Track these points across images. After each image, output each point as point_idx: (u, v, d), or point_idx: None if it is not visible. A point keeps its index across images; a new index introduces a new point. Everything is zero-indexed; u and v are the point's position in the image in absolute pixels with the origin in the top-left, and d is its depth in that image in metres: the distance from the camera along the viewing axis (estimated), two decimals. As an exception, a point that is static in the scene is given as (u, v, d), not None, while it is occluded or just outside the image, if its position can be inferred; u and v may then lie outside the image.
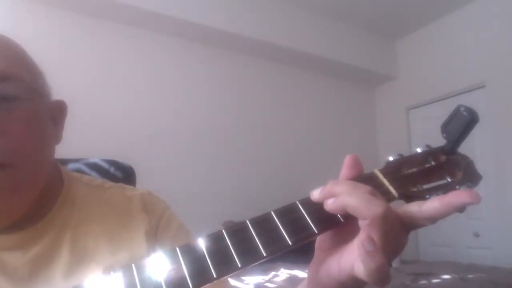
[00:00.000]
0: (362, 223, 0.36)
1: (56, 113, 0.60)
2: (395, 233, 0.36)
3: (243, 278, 2.06)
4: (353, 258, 0.37)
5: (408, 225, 0.37)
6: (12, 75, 0.51)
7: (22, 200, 0.53)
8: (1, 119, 0.48)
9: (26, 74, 0.54)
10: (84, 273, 0.53)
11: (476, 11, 3.38)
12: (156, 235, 0.62)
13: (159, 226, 0.63)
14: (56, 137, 0.60)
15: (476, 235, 3.28)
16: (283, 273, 2.20)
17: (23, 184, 0.52)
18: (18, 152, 0.50)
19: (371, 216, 0.34)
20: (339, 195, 0.37)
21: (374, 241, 0.34)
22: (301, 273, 2.13)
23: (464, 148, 0.45)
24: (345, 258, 0.38)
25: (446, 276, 2.11)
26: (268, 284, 2.02)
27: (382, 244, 0.34)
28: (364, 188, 0.37)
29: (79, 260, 0.54)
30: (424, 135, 3.43)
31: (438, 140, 0.44)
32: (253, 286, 1.99)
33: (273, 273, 2.20)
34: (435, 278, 2.10)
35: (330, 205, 0.38)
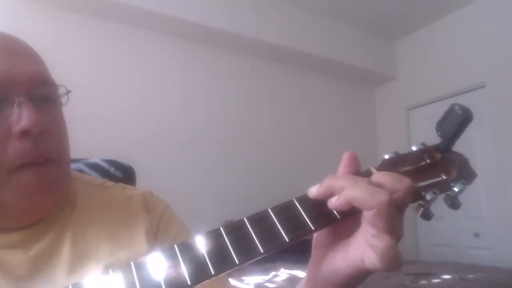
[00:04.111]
0: (366, 214, 0.36)
1: None
2: (397, 218, 0.37)
3: (243, 278, 2.07)
4: (361, 250, 0.37)
5: (398, 204, 0.38)
6: (49, 79, 0.56)
7: (58, 196, 0.57)
8: (48, 119, 0.52)
9: (52, 78, 0.58)
10: (85, 271, 0.53)
11: (476, 11, 3.38)
12: (156, 234, 0.62)
13: (159, 226, 0.63)
14: None
15: (476, 235, 3.28)
16: (283, 273, 2.20)
17: (62, 180, 0.57)
18: (59, 149, 0.55)
19: (378, 204, 0.35)
20: (342, 190, 0.38)
21: (377, 223, 0.35)
22: (301, 273, 2.13)
23: (464, 148, 0.45)
24: (352, 252, 0.38)
25: (446, 276, 2.11)
26: (268, 284, 2.03)
27: (389, 229, 0.35)
28: (364, 180, 0.38)
29: (80, 259, 0.55)
30: (424, 135, 3.39)
31: (438, 140, 0.45)
32: (253, 286, 1.99)
33: (273, 273, 2.20)
34: (435, 278, 2.10)
35: (334, 202, 0.38)
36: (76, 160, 0.83)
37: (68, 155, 0.58)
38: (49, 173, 0.52)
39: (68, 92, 0.58)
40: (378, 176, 0.39)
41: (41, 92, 0.53)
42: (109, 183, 0.68)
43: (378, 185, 0.38)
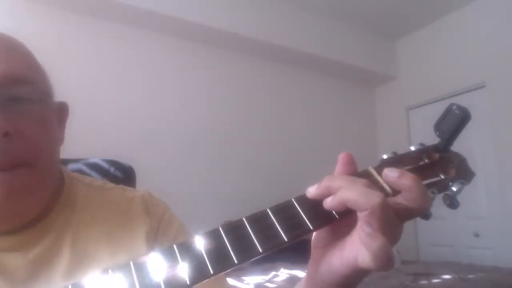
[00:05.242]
0: (360, 215, 0.36)
1: (60, 114, 0.61)
2: (392, 222, 0.37)
3: (243, 278, 2.07)
4: (355, 249, 0.37)
5: (401, 214, 0.38)
6: (25, 77, 0.52)
7: (37, 200, 0.54)
8: (18, 120, 0.50)
9: (36, 76, 0.55)
10: (84, 274, 0.53)
11: (476, 11, 3.38)
12: (156, 236, 0.62)
13: (159, 228, 0.63)
14: (61, 137, 0.61)
15: (476, 235, 3.28)
16: (283, 273, 2.20)
17: (39, 184, 0.53)
18: (34, 152, 0.52)
19: (371, 206, 0.35)
20: (337, 190, 0.38)
21: (371, 224, 0.35)
22: (301, 273, 2.13)
23: (464, 148, 0.45)
24: (347, 251, 0.39)
25: (446, 276, 2.11)
26: (268, 284, 2.03)
27: (383, 230, 0.36)
28: (361, 182, 0.38)
29: (79, 262, 0.55)
30: (424, 135, 3.40)
31: (438, 140, 0.45)
32: (253, 286, 1.99)
33: (273, 273, 2.20)
34: (435, 278, 2.10)
35: (329, 203, 0.38)
36: (76, 160, 0.84)
37: (48, 157, 0.55)
38: (17, 179, 0.49)
39: (46, 92, 0.56)
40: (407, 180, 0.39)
41: (11, 92, 0.50)
42: (110, 185, 0.67)
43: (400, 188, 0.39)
